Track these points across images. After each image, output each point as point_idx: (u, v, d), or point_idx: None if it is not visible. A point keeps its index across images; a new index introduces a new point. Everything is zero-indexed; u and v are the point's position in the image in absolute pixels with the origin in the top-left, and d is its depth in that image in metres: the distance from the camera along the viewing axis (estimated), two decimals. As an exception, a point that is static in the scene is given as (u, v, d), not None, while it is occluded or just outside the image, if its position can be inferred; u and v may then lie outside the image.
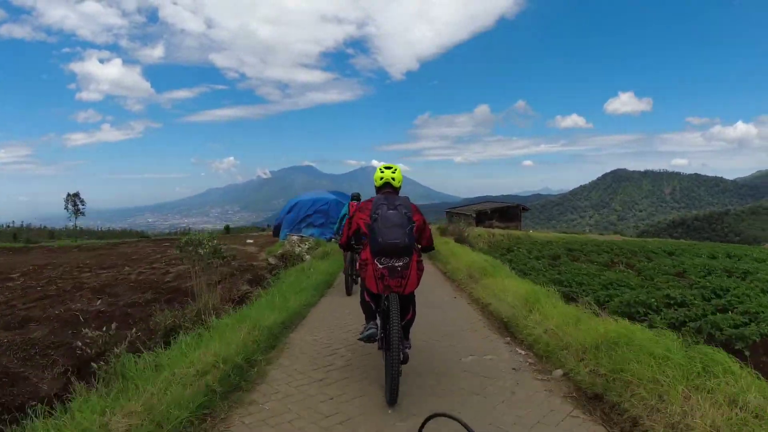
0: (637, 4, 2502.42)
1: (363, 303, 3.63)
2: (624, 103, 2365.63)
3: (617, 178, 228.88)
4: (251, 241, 18.89)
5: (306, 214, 17.66)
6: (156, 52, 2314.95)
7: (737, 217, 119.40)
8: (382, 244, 3.24)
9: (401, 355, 3.22)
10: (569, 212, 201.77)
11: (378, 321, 3.52)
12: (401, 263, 3.29)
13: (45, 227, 32.08)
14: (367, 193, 4.53)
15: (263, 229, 31.32)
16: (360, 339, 3.50)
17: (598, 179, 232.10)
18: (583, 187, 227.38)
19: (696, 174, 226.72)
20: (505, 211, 37.34)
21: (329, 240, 13.43)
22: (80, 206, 31.56)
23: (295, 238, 14.07)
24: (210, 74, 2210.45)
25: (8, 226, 29.04)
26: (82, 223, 33.14)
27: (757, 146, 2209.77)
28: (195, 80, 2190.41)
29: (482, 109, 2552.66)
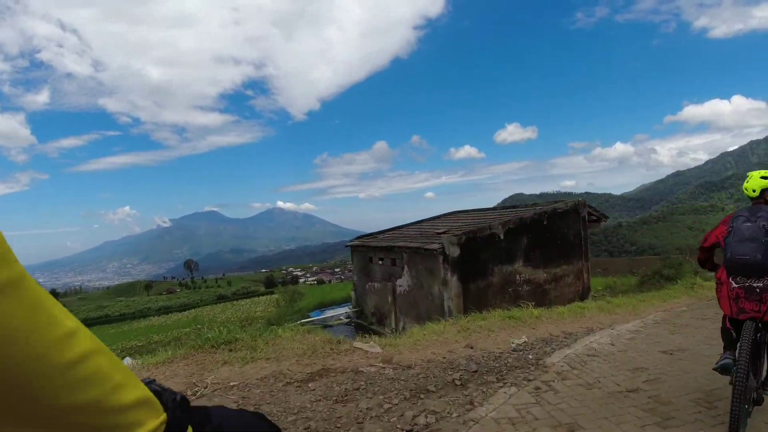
0: (514, 39, 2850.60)
1: (723, 329, 3.35)
2: (511, 132, 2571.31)
3: (515, 202, 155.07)
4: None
5: None
6: (40, 98, 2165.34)
7: (630, 228, 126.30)
8: (731, 260, 3.04)
9: (752, 394, 2.86)
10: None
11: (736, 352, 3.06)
12: (761, 284, 2.93)
13: None
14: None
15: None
16: (714, 369, 3.21)
17: (498, 205, 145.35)
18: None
19: (586, 192, 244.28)
20: (545, 226, 12.82)
21: None
22: None
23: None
24: (100, 120, 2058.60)
25: None
26: None
27: (636, 163, 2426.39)
28: (84, 127, 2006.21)
29: (380, 146, 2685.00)
